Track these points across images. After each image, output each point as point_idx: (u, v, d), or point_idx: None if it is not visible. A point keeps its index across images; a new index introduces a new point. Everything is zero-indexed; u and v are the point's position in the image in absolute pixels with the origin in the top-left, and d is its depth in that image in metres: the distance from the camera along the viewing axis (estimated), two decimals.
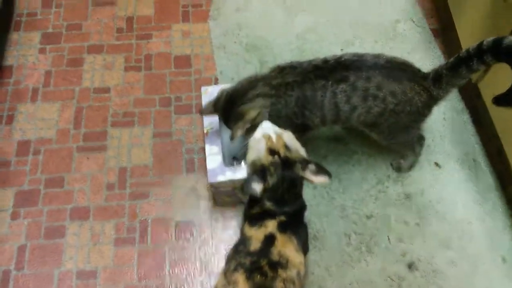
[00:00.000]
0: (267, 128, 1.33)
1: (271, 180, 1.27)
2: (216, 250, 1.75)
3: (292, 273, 1.27)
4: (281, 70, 1.61)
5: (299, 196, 1.39)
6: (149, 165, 1.91)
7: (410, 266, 1.74)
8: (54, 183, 1.85)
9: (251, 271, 1.24)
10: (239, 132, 1.54)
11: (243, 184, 1.28)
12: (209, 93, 1.78)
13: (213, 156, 1.65)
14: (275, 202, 1.32)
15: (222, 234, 1.78)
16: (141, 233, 1.76)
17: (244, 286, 1.22)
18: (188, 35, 2.26)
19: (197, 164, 1.92)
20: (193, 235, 1.77)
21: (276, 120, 1.52)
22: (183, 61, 2.18)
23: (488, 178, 1.94)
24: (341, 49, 2.24)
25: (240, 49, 2.23)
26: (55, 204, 1.81)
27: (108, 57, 2.18)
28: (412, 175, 1.93)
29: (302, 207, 1.42)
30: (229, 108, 1.57)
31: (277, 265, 1.26)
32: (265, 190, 1.28)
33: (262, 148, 1.29)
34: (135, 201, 1.82)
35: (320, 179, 1.30)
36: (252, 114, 1.54)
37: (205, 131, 1.73)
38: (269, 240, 1.30)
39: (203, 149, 1.93)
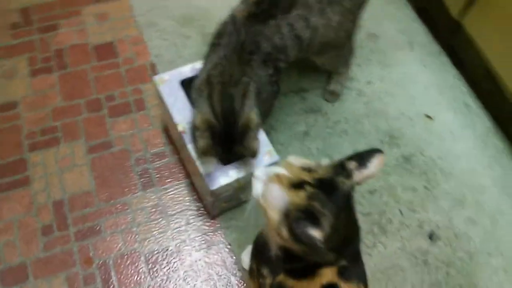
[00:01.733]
0: (262, 170, 0.92)
1: (326, 221, 0.83)
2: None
3: None
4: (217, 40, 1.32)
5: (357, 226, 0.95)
6: (92, 190, 1.48)
7: (431, 236, 1.51)
8: None
9: None
10: (257, 144, 1.23)
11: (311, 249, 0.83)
12: (168, 82, 1.41)
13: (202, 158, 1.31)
14: (337, 249, 0.87)
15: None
16: (104, 281, 1.34)
17: None
18: (106, 18, 1.81)
19: (155, 175, 1.52)
20: (172, 264, 1.39)
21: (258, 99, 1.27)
22: (106, 51, 1.74)
23: (484, 121, 1.75)
24: None
25: (174, 24, 1.82)
26: None
27: (6, 62, 1.68)
28: (404, 135, 1.68)
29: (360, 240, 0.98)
30: (226, 134, 1.23)
31: None
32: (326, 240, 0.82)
33: (279, 192, 0.86)
34: (84, 241, 1.40)
35: (375, 165, 0.87)
36: (253, 117, 1.23)
37: (180, 129, 1.35)
38: None
39: (160, 154, 1.53)
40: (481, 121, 1.74)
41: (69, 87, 1.66)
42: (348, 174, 0.86)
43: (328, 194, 0.84)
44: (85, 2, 1.84)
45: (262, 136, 1.36)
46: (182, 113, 1.38)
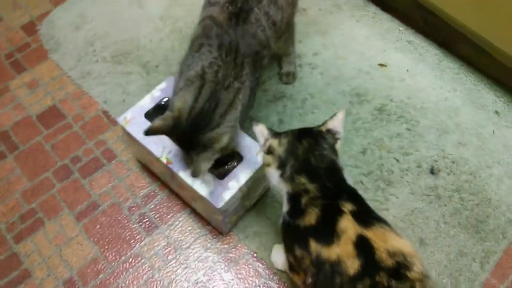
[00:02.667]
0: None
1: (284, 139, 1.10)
2: None
3: (418, 263, 0.92)
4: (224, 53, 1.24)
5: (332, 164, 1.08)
6: (98, 255, 1.39)
7: (432, 171, 1.54)
8: None
9: None
10: (206, 166, 1.18)
11: None
12: (132, 120, 1.35)
13: (199, 179, 1.27)
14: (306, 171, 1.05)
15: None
16: None
17: None
18: (37, 85, 1.72)
19: (153, 216, 1.45)
20: None
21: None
22: (52, 116, 1.65)
23: (431, 50, 1.82)
24: None
25: (109, 65, 1.75)
26: None
27: None
28: (368, 89, 1.71)
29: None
30: (195, 133, 1.17)
31: (399, 270, 0.90)
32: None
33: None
34: None
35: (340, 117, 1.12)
36: (224, 140, 1.16)
37: (164, 161, 1.29)
38: (363, 246, 0.93)
39: (150, 195, 1.47)
40: (429, 51, 1.80)
41: (30, 165, 1.55)
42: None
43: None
44: (8, 77, 1.74)
45: (247, 138, 1.34)
46: (159, 144, 1.33)
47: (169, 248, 1.40)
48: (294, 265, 1.09)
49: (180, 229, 1.43)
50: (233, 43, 1.23)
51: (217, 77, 1.19)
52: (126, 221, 1.44)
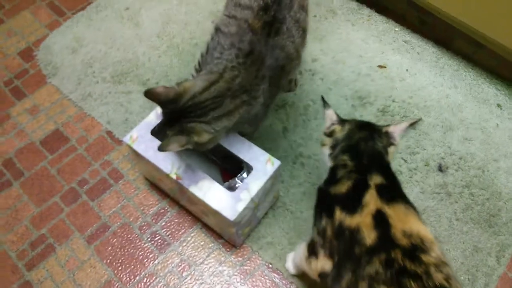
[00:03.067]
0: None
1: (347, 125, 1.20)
2: None
3: (436, 249, 0.93)
4: (242, 62, 1.22)
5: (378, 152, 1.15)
6: (112, 277, 1.38)
7: (441, 168, 1.54)
8: None
9: (397, 280, 0.86)
10: (174, 148, 1.14)
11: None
12: (139, 138, 1.35)
13: (210, 191, 1.26)
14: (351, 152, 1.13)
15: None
16: None
17: None
18: (38, 110, 1.71)
19: (165, 233, 1.44)
20: None
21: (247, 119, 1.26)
22: (55, 140, 1.64)
23: (428, 48, 1.83)
24: (212, 21, 1.89)
25: (109, 85, 1.75)
26: None
27: None
28: (370, 91, 1.71)
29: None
30: (184, 116, 1.16)
31: (415, 251, 0.91)
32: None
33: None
34: None
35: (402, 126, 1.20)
36: (204, 138, 1.16)
37: (174, 177, 1.28)
38: (380, 220, 0.96)
39: (160, 213, 1.46)
40: (426, 50, 1.81)
41: (37, 191, 1.54)
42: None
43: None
44: (9, 104, 1.73)
45: (255, 148, 1.33)
46: (167, 161, 1.32)
47: (183, 265, 1.39)
48: (315, 244, 1.08)
49: (192, 244, 1.42)
50: (261, 54, 1.21)
51: (232, 82, 1.18)
52: (138, 241, 1.43)
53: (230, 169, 1.44)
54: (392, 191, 1.05)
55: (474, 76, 1.74)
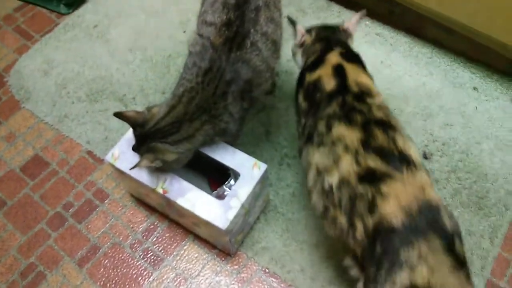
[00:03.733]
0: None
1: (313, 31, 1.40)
2: None
3: (380, 98, 1.17)
4: (201, 81, 1.23)
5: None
6: None
7: (425, 156, 1.56)
8: None
9: (347, 115, 1.10)
10: (146, 164, 1.21)
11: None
12: (121, 155, 1.33)
13: (199, 202, 1.25)
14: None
15: None
16: None
17: (351, 134, 1.06)
18: (14, 137, 1.67)
19: (157, 249, 1.42)
20: None
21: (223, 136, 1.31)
22: (35, 165, 1.60)
23: (400, 38, 1.85)
24: (184, 31, 1.88)
25: (85, 104, 1.72)
26: None
27: None
28: None
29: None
30: (150, 138, 1.22)
31: (362, 95, 1.15)
32: None
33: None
34: None
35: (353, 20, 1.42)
36: (169, 157, 1.23)
37: (160, 191, 1.26)
38: (340, 71, 1.20)
39: (150, 228, 1.44)
40: (398, 40, 1.83)
41: (21, 219, 1.50)
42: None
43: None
44: None
45: (239, 153, 1.32)
46: (152, 176, 1.30)
47: (179, 279, 1.36)
48: (299, 131, 1.27)
49: (186, 257, 1.40)
50: (220, 70, 1.21)
51: (189, 106, 1.21)
52: (130, 259, 1.40)
53: (217, 178, 1.43)
54: (353, 57, 1.28)
55: (448, 62, 1.76)
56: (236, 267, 1.37)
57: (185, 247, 1.41)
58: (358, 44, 1.80)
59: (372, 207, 0.98)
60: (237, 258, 1.39)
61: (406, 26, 1.84)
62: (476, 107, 1.64)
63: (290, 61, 1.76)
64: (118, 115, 1.24)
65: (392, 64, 1.77)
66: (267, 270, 1.36)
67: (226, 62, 1.21)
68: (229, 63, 1.21)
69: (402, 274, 0.91)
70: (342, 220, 1.03)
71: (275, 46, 1.33)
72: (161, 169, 1.27)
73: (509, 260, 1.36)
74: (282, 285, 1.34)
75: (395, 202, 0.96)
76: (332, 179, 1.05)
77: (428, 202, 0.97)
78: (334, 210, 1.05)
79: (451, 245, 0.94)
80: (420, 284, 0.89)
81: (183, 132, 1.22)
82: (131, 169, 1.23)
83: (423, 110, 1.64)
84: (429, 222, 0.94)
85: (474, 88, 1.69)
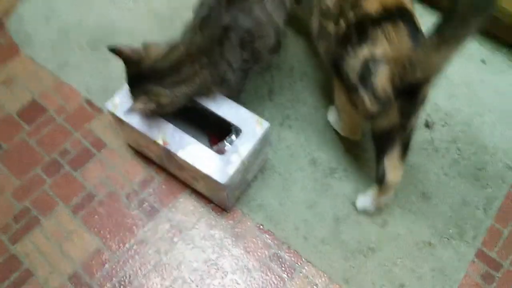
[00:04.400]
0: None
1: None
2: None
3: None
4: (198, 25, 1.24)
5: None
6: (101, 246, 1.35)
7: (427, 125, 1.55)
8: None
9: None
10: (140, 107, 1.20)
11: None
12: (120, 104, 1.32)
13: (199, 156, 1.24)
14: None
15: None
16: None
17: None
18: (12, 82, 1.64)
19: (153, 200, 1.42)
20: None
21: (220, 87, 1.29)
22: (33, 111, 1.58)
23: None
24: None
25: (86, 52, 1.69)
26: None
27: None
28: None
29: None
30: (146, 79, 1.21)
31: None
32: None
33: None
34: None
35: None
36: (164, 100, 1.21)
37: (161, 142, 1.25)
38: None
39: (147, 180, 1.44)
40: None
41: (16, 163, 1.49)
42: None
43: None
44: None
45: (243, 110, 1.31)
46: (153, 126, 1.28)
47: (174, 230, 1.37)
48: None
49: (182, 210, 1.40)
50: (217, 18, 1.21)
51: (191, 46, 1.21)
52: (125, 209, 1.40)
53: (216, 133, 1.42)
54: None
55: None
56: (231, 222, 1.38)
57: (181, 200, 1.41)
58: None
59: (355, 5, 1.14)
60: (232, 213, 1.39)
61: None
62: (482, 79, 1.63)
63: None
64: (112, 50, 1.21)
65: None
66: (261, 227, 1.37)
67: (225, 9, 1.20)
68: (228, 10, 1.20)
69: (365, 48, 1.10)
70: (331, 25, 1.20)
71: (283, 4, 1.31)
72: (155, 112, 1.26)
73: (501, 232, 1.37)
74: (275, 241, 1.35)
75: (376, 2, 1.12)
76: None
77: (405, 7, 1.13)
78: (326, 21, 1.22)
79: (416, 32, 1.10)
80: (378, 56, 1.08)
81: (182, 74, 1.20)
82: (126, 113, 1.22)
83: None
84: (401, 15, 1.11)
85: (482, 61, 1.67)
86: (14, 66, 1.68)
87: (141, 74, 1.20)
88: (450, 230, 1.38)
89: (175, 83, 1.21)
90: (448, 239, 1.37)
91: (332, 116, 1.50)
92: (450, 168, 1.47)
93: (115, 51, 1.21)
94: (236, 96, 1.37)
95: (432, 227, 1.38)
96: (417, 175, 1.45)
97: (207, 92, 1.29)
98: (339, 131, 1.49)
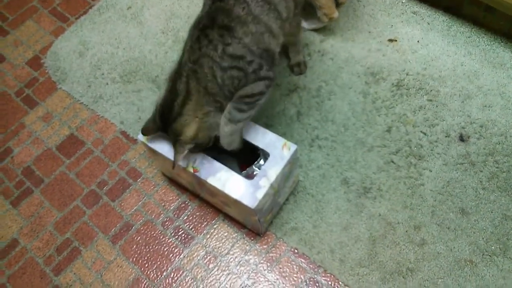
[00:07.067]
0: None
1: None
2: None
3: None
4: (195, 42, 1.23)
5: None
6: (139, 274, 1.38)
7: (462, 138, 1.51)
8: None
9: None
10: (181, 156, 1.23)
11: None
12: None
13: (229, 181, 1.26)
14: None
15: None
16: None
17: None
18: (51, 117, 1.72)
19: (188, 227, 1.44)
20: None
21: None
22: (71, 144, 1.64)
23: (439, 17, 1.79)
24: None
25: (119, 85, 1.75)
26: None
27: None
28: (382, 66, 1.67)
29: None
30: (165, 126, 1.24)
31: None
32: None
33: None
34: None
35: None
36: (189, 132, 1.21)
37: (191, 170, 1.27)
38: None
39: (181, 207, 1.46)
40: (436, 19, 1.76)
41: (57, 196, 1.55)
42: None
43: None
44: (22, 114, 1.74)
45: (269, 134, 1.32)
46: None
47: (209, 257, 1.38)
48: None
49: (216, 236, 1.41)
50: (202, 21, 1.22)
51: (180, 64, 1.23)
52: (161, 237, 1.43)
53: (246, 159, 1.43)
54: None
55: (487, 41, 1.69)
56: (265, 246, 1.38)
57: (215, 226, 1.43)
58: (393, 24, 1.76)
59: None
60: (266, 238, 1.39)
61: (444, 4, 1.78)
62: None
63: (323, 42, 1.74)
64: (144, 133, 1.30)
65: (429, 44, 1.71)
66: (296, 251, 1.36)
67: (208, 8, 1.21)
68: (210, 9, 1.21)
69: None
70: None
71: (276, 11, 1.24)
72: (196, 150, 1.28)
73: None
74: (310, 265, 1.34)
75: None
76: None
77: None
78: None
79: None
80: None
81: (180, 90, 1.21)
82: (173, 167, 1.25)
83: (460, 90, 1.59)
84: None
85: None
86: (52, 102, 1.75)
87: (161, 123, 1.26)
88: (492, 247, 1.33)
89: (180, 105, 1.22)
90: (490, 256, 1.32)
91: (306, 23, 1.68)
92: (488, 182, 1.42)
93: (143, 132, 1.29)
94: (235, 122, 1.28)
95: (473, 244, 1.34)
96: (454, 191, 1.41)
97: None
98: (320, 24, 1.68)
